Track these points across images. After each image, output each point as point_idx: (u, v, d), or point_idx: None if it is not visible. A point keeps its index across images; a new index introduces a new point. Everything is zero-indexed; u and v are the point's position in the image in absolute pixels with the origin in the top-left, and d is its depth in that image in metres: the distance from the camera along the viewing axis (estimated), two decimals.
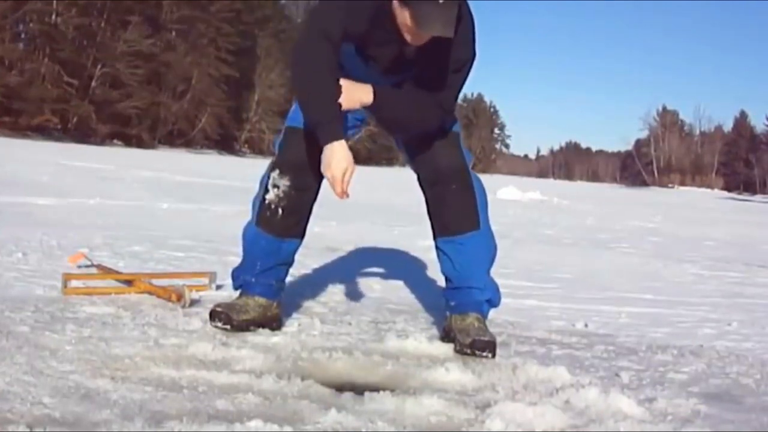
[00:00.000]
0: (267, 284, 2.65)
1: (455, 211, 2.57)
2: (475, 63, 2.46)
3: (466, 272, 2.59)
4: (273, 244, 2.62)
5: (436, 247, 2.64)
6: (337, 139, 2.30)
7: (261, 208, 2.61)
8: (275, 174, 2.58)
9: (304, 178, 2.57)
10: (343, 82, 2.36)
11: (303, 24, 2.41)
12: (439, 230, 2.62)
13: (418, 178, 2.65)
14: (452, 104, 2.55)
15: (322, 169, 2.33)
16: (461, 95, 2.72)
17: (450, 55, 2.37)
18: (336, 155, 2.29)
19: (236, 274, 2.74)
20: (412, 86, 2.47)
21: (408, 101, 2.47)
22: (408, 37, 2.29)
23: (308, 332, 2.61)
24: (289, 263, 2.72)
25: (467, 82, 2.52)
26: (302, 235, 2.68)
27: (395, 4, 2.26)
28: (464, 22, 2.34)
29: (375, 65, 2.47)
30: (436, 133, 2.56)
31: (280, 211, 2.58)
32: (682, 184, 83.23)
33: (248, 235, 2.69)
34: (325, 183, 2.66)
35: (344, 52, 2.41)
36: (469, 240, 2.57)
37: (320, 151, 2.36)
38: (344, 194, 2.32)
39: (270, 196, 2.58)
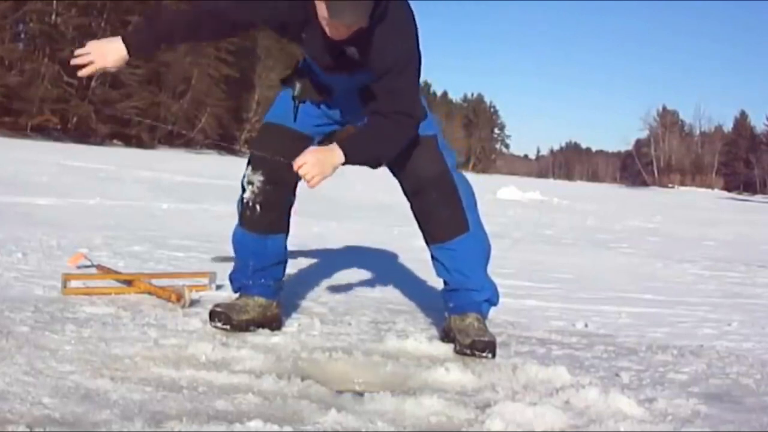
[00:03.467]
0: (264, 284, 2.65)
1: (441, 219, 2.56)
2: (422, 66, 2.41)
3: (462, 275, 2.58)
4: (258, 243, 2.62)
5: (430, 254, 2.63)
6: (120, 39, 2.49)
7: (242, 208, 2.62)
8: (248, 171, 2.59)
9: (278, 172, 2.53)
10: (313, 152, 2.34)
11: None
12: (428, 239, 2.61)
13: (402, 189, 2.63)
14: (411, 107, 2.41)
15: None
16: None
17: (389, 56, 2.32)
18: (109, 44, 2.49)
19: (232, 277, 2.74)
20: (369, 112, 2.42)
21: (373, 135, 2.41)
22: (327, 30, 2.26)
23: (308, 332, 2.61)
24: (283, 261, 2.70)
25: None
26: (286, 230, 2.67)
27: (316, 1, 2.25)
28: (392, 22, 2.31)
29: (318, 64, 2.46)
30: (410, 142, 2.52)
31: (258, 207, 2.57)
32: (682, 184, 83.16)
33: (236, 238, 2.69)
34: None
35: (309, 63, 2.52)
36: (459, 244, 2.56)
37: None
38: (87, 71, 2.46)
39: (247, 194, 2.59)
